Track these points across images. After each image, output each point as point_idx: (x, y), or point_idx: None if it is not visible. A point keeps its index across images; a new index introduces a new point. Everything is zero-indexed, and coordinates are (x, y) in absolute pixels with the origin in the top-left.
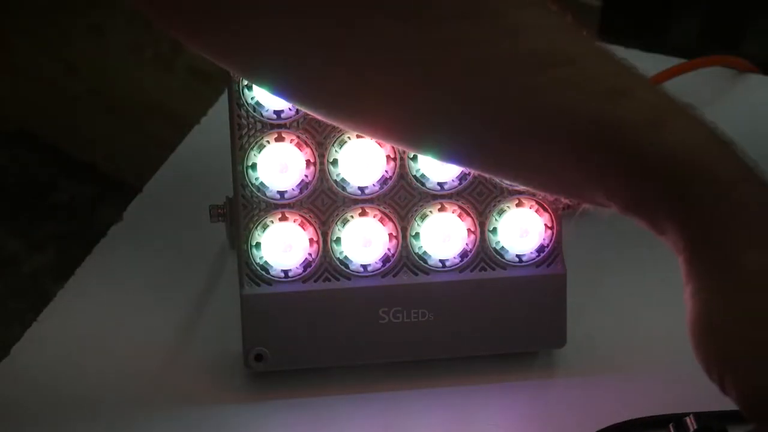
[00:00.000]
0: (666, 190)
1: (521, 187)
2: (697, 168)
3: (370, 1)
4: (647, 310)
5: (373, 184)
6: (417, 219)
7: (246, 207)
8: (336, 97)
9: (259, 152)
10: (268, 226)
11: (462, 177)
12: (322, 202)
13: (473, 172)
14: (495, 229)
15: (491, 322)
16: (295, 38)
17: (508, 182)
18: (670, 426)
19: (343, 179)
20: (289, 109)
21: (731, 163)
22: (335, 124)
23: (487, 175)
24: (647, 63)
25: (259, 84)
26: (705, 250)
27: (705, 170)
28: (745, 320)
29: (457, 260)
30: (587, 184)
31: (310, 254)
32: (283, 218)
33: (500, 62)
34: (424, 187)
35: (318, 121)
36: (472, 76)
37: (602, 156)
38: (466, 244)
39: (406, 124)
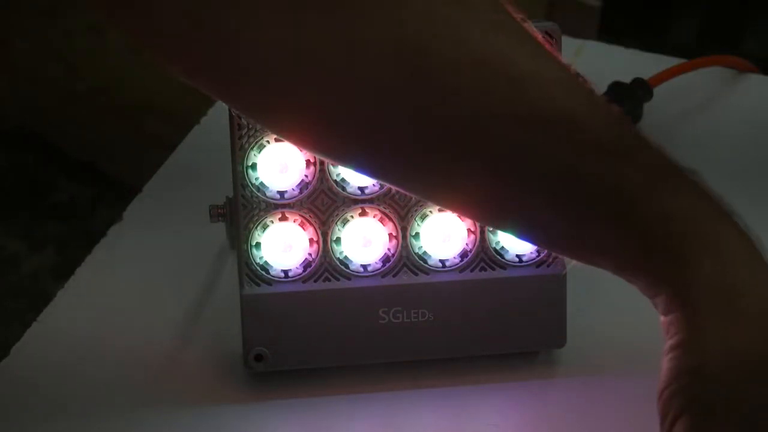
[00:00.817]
0: (666, 253)
1: None
2: (700, 238)
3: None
4: (647, 310)
5: (373, 184)
6: (417, 219)
7: (246, 207)
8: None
9: (259, 152)
10: (268, 226)
11: None
12: (322, 202)
13: None
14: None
15: (491, 322)
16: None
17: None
18: None
19: (343, 179)
20: None
21: (734, 238)
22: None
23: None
24: (647, 63)
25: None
26: (699, 321)
27: (708, 242)
28: (704, 392)
29: (457, 260)
30: (586, 241)
31: (310, 254)
32: (283, 218)
33: (503, 116)
34: None
35: None
36: (473, 129)
37: (603, 214)
38: (466, 244)
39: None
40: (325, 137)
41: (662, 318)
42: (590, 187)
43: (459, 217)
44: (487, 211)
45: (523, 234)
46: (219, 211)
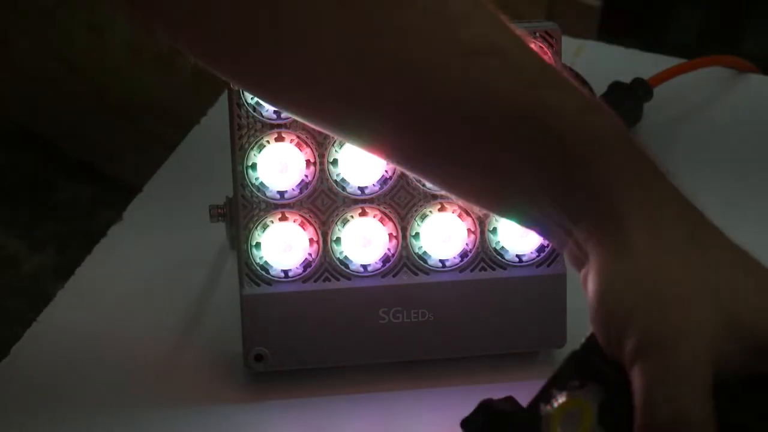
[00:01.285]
0: (588, 174)
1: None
2: (621, 158)
3: None
4: None
5: (373, 184)
6: (417, 219)
7: (246, 207)
8: (259, 69)
9: (259, 152)
10: (268, 226)
11: None
12: (322, 202)
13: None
14: (495, 229)
15: (491, 322)
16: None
17: (434, 187)
18: None
19: (343, 179)
20: None
21: (649, 163)
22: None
23: (413, 175)
24: (647, 63)
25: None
26: (616, 234)
27: (628, 162)
28: (650, 283)
29: (457, 260)
30: (508, 173)
31: (310, 254)
32: (283, 218)
33: (425, 48)
34: (424, 187)
35: None
36: (397, 62)
37: (524, 143)
38: (466, 244)
39: (327, 107)
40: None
41: (578, 247)
42: (514, 112)
43: (459, 216)
44: (408, 154)
45: (438, 171)
46: (219, 211)
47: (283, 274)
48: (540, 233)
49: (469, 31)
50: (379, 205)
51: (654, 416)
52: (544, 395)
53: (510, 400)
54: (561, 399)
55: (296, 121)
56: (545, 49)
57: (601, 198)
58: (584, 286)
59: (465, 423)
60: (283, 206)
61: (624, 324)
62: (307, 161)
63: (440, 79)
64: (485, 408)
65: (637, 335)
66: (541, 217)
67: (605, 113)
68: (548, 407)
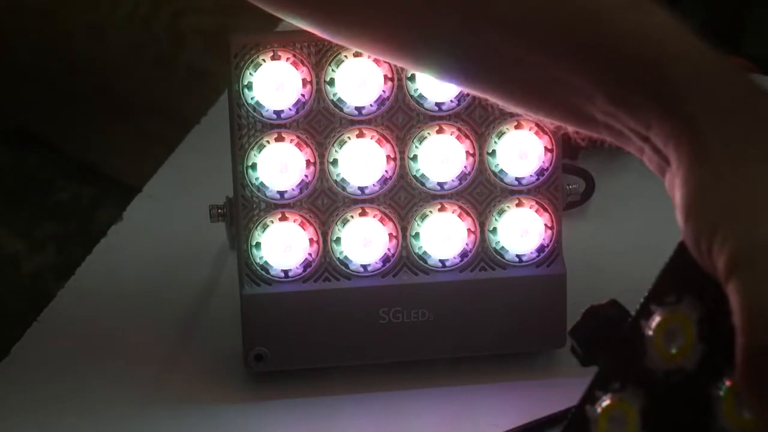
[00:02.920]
0: (647, 71)
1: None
2: (676, 49)
3: None
4: None
5: (373, 184)
6: (417, 219)
7: (246, 207)
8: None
9: (259, 152)
10: (268, 226)
11: (462, 177)
12: (322, 202)
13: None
14: (495, 229)
15: (491, 322)
16: None
17: (508, 104)
18: None
19: (343, 179)
20: (289, 109)
21: (705, 50)
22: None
23: (482, 94)
24: None
25: None
26: (694, 134)
27: (684, 52)
28: (734, 191)
29: (457, 260)
30: (570, 84)
31: (310, 254)
32: (283, 218)
33: None
34: (424, 187)
35: (318, 121)
36: None
37: (584, 45)
38: (466, 244)
39: (400, 34)
40: None
41: (658, 149)
42: (570, 16)
43: (459, 216)
44: (479, 70)
45: (528, 98)
46: (219, 211)
47: (283, 274)
48: (616, 140)
49: None
50: (379, 205)
51: (756, 340)
52: (644, 312)
53: (614, 303)
54: (659, 317)
55: (296, 121)
56: None
57: (667, 98)
58: (671, 192)
59: (573, 331)
60: (283, 206)
61: (713, 240)
62: (307, 161)
63: None
64: (593, 314)
65: (727, 253)
66: (612, 122)
67: (658, 10)
68: (649, 325)
